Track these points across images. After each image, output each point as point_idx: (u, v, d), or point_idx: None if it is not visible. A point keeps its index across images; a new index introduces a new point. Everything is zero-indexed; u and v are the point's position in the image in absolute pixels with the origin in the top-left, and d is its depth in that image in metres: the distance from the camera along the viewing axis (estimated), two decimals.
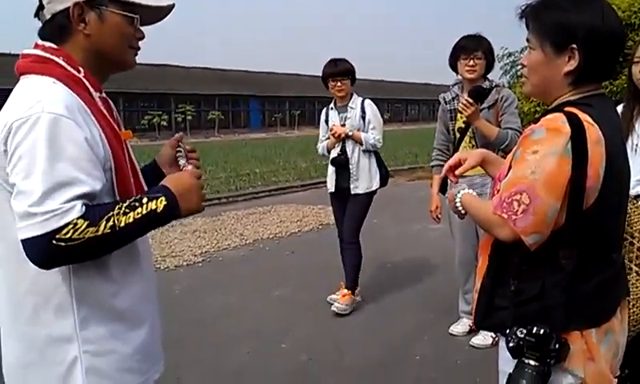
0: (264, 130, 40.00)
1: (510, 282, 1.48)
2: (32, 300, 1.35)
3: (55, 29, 1.41)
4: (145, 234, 1.39)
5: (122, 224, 1.28)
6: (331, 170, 4.51)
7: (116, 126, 1.45)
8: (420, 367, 3.59)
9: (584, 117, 1.41)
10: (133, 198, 1.33)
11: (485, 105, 3.59)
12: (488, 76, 3.76)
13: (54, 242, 1.21)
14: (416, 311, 4.48)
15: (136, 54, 1.53)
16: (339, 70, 4.33)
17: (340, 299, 4.43)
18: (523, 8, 1.56)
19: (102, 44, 1.43)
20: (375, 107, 4.48)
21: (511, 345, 1.43)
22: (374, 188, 4.41)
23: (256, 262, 6.10)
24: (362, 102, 4.44)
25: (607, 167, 1.41)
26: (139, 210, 1.30)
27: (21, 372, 1.40)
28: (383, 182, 4.46)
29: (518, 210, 1.40)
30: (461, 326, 3.97)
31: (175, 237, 7.00)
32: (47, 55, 1.38)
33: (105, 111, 1.42)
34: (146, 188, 1.53)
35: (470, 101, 3.41)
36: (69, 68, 1.38)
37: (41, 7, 1.43)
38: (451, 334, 3.97)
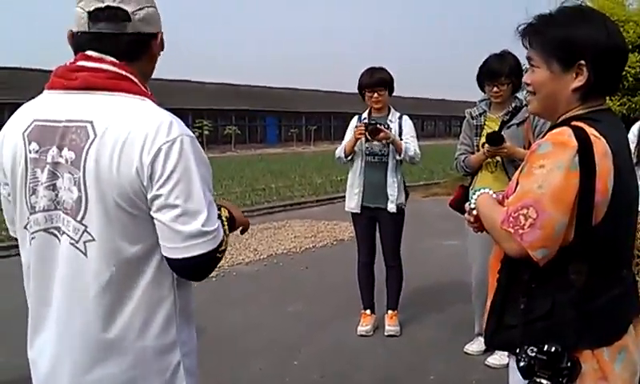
0: (280, 145, 40.16)
1: (520, 299, 1.46)
2: (141, 316, 1.37)
3: (135, 46, 1.40)
4: None
5: (227, 233, 1.44)
6: (357, 189, 4.22)
7: None
8: None
9: (590, 131, 1.40)
10: None
11: (514, 121, 3.62)
12: (517, 94, 3.76)
13: (218, 254, 1.36)
14: (430, 329, 4.43)
15: None
16: (375, 80, 4.13)
17: (390, 322, 4.32)
18: (524, 27, 1.55)
19: (151, 67, 1.49)
20: (411, 122, 4.29)
21: (522, 364, 1.41)
22: (404, 201, 4.22)
23: (270, 277, 6.09)
24: (400, 117, 4.26)
25: (616, 181, 1.39)
26: (221, 218, 1.44)
27: None
28: (405, 199, 4.30)
29: (524, 225, 1.38)
30: (476, 345, 3.91)
31: None
32: (122, 72, 1.37)
33: None
34: None
35: (492, 148, 3.45)
36: (142, 88, 1.40)
37: (124, 18, 1.36)
38: (467, 353, 3.91)
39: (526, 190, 1.40)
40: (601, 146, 1.38)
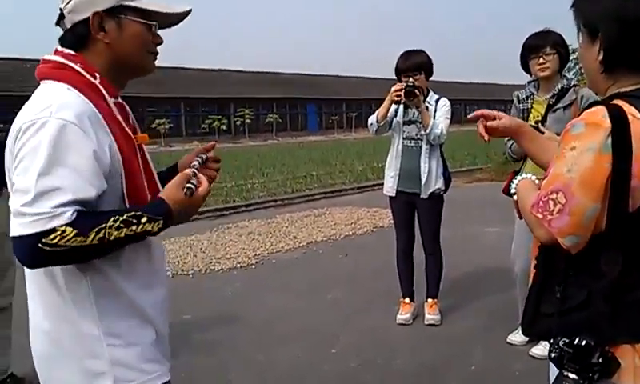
0: (321, 132, 40.12)
1: (556, 287, 1.39)
2: (58, 296, 1.41)
3: (76, 37, 1.46)
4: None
5: (112, 238, 1.30)
6: (393, 172, 4.19)
7: (130, 131, 1.48)
8: (476, 376, 3.47)
9: (629, 109, 1.30)
10: (132, 211, 1.35)
11: (560, 105, 3.48)
12: (565, 73, 3.61)
13: (40, 244, 1.23)
14: (471, 318, 4.34)
15: (155, 59, 1.56)
16: (409, 65, 4.03)
17: (430, 310, 4.26)
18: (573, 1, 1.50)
19: (121, 51, 1.47)
20: (449, 105, 4.16)
21: (553, 355, 1.35)
22: (441, 186, 4.13)
23: (309, 264, 6.09)
24: (438, 100, 4.15)
25: None
26: (134, 227, 1.32)
27: (46, 364, 1.48)
28: (446, 185, 4.21)
29: (553, 210, 1.31)
30: (520, 335, 3.79)
31: (230, 239, 7.09)
32: (65, 61, 1.43)
33: (119, 116, 1.46)
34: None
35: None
36: (85, 74, 1.42)
37: (62, 16, 1.47)
38: (509, 343, 3.82)
39: (557, 174, 1.33)
40: (639, 127, 1.29)
